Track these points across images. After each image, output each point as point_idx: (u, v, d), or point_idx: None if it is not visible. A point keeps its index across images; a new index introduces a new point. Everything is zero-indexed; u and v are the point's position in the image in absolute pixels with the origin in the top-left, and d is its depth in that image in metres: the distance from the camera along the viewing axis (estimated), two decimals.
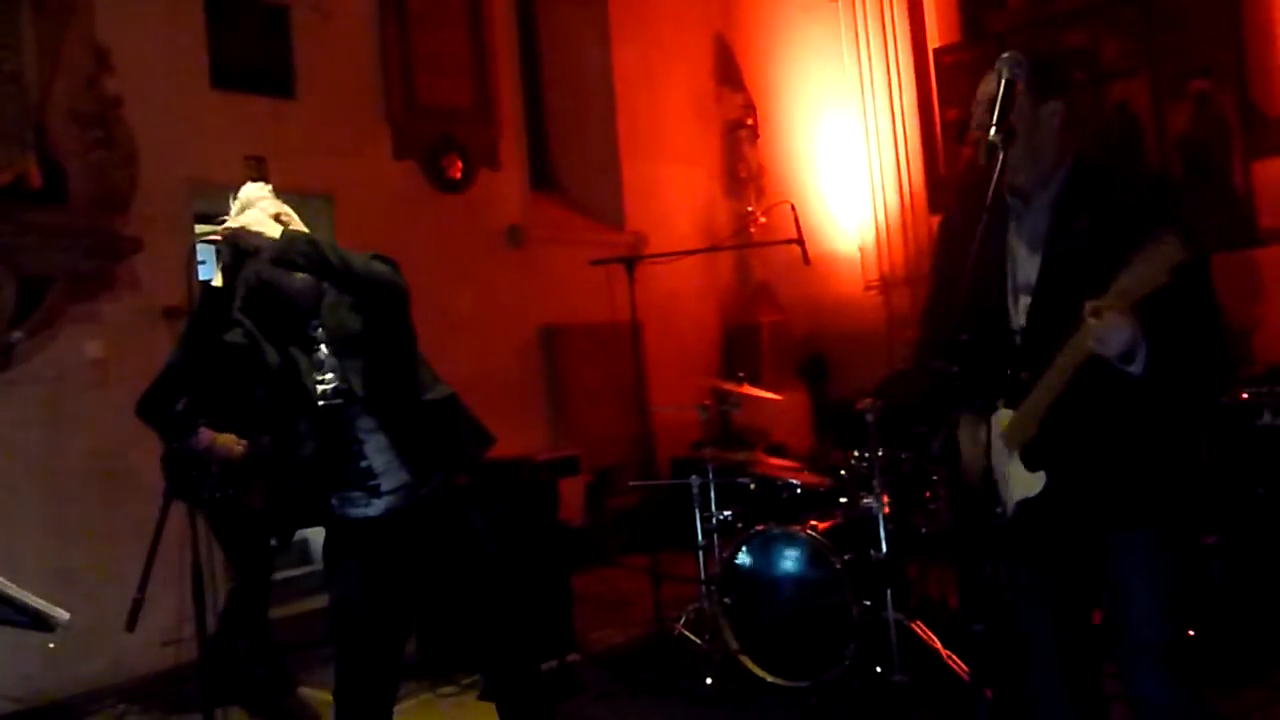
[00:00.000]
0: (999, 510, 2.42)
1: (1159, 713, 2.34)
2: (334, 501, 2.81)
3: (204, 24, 5.66)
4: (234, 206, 2.83)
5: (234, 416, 4.20)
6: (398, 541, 2.80)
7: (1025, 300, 2.39)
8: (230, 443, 4.20)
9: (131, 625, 2.86)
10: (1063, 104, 2.39)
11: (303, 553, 6.32)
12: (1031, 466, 2.35)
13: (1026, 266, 2.40)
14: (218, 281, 2.61)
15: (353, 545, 2.82)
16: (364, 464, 2.77)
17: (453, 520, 2.85)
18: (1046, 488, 2.33)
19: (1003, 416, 2.39)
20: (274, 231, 2.65)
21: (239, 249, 2.63)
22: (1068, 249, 2.33)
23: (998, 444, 2.38)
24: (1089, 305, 2.09)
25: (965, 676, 3.89)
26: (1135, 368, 2.14)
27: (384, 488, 2.78)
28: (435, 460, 2.84)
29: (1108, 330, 2.09)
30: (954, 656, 4.03)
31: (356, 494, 2.79)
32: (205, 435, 4.15)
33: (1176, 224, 2.02)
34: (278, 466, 2.87)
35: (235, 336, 2.70)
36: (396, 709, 4.51)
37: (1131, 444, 2.30)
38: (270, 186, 2.90)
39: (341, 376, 2.77)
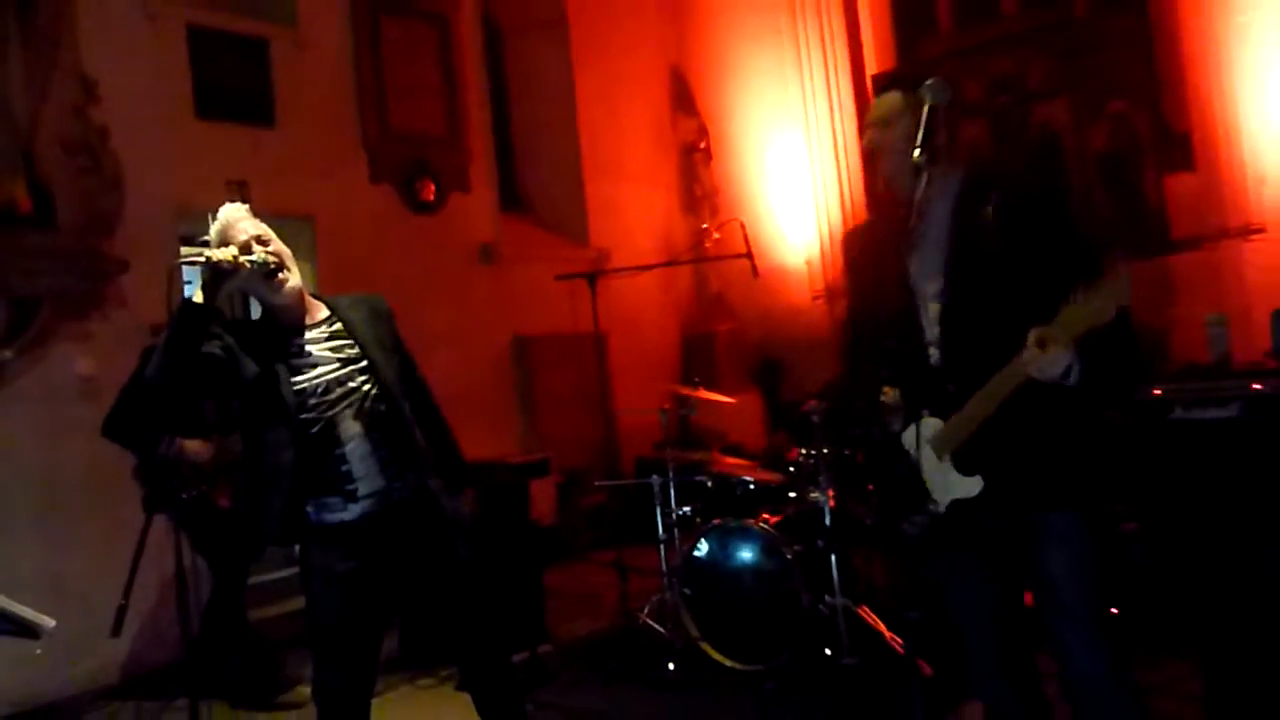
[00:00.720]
0: (930, 507, 2.40)
1: (1091, 681, 2.34)
2: (310, 509, 2.75)
3: (187, 56, 5.60)
4: (213, 227, 2.79)
5: (186, 426, 4.17)
6: (372, 544, 2.75)
7: (935, 309, 2.37)
8: (197, 446, 4.17)
9: (117, 631, 2.81)
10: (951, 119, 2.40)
11: (288, 555, 6.23)
12: (966, 472, 2.32)
13: (933, 277, 2.38)
14: (198, 298, 2.54)
15: (329, 550, 2.76)
16: (344, 468, 2.72)
17: (425, 521, 2.81)
18: (984, 489, 2.31)
19: (929, 425, 2.37)
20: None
21: (218, 269, 2.58)
22: (969, 255, 2.32)
23: (925, 449, 2.38)
24: (1033, 334, 2.07)
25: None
26: (1070, 380, 2.14)
27: (360, 493, 2.73)
28: (410, 465, 2.80)
29: (1051, 362, 2.09)
30: (898, 639, 4.04)
31: (333, 499, 2.74)
32: (176, 442, 4.14)
33: (1119, 260, 2.01)
34: (251, 478, 2.80)
35: (213, 348, 2.64)
36: (378, 701, 4.48)
37: (1056, 439, 2.30)
38: (248, 207, 2.85)
39: (374, 379, 2.77)
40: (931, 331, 2.37)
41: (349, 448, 2.72)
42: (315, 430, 2.70)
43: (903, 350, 2.33)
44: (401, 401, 2.82)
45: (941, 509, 2.38)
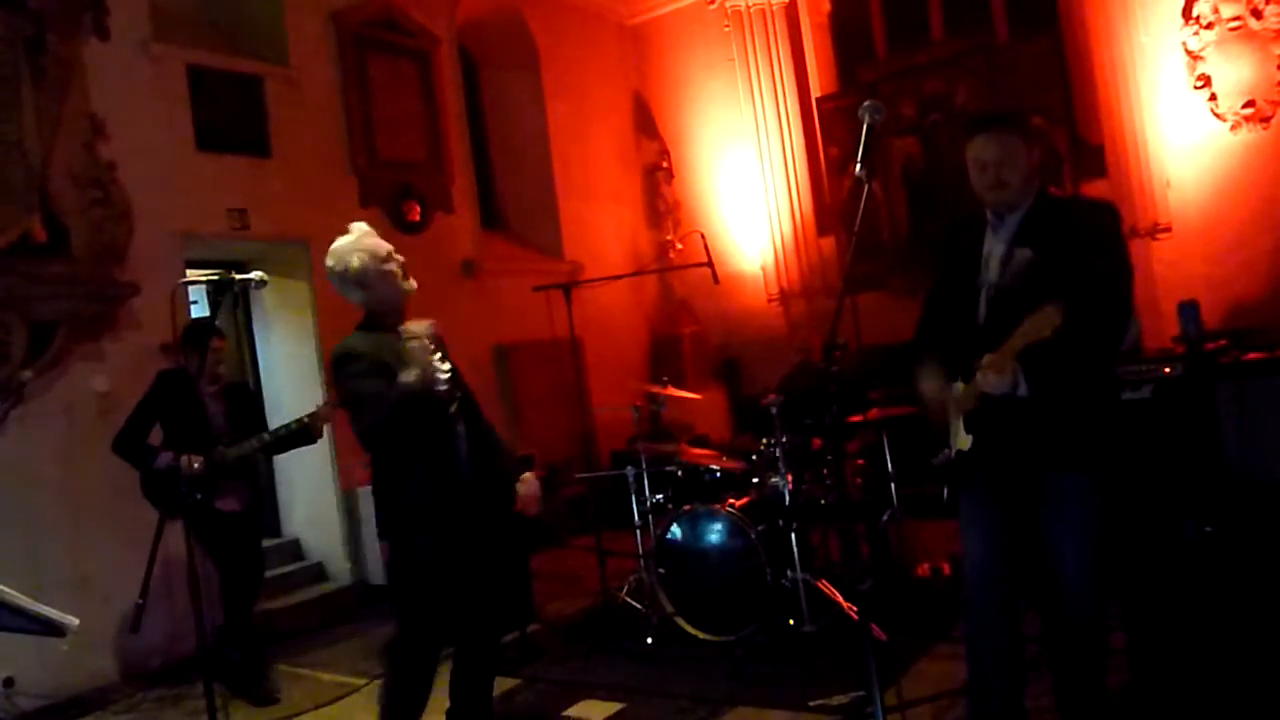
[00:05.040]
0: (946, 451, 2.67)
1: (1079, 628, 2.57)
2: (431, 486, 3.00)
3: (188, 94, 5.52)
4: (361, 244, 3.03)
5: (194, 439, 4.18)
6: (467, 517, 3.03)
7: (988, 295, 2.56)
8: (188, 460, 4.14)
9: (135, 627, 2.78)
10: (1040, 150, 2.59)
11: (295, 551, 6.19)
12: (967, 430, 2.57)
13: (992, 270, 2.56)
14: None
15: (443, 522, 2.99)
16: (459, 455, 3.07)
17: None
18: (973, 446, 2.57)
19: (958, 388, 2.58)
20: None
21: (219, 285, 2.57)
22: (1020, 257, 2.48)
23: (954, 407, 2.61)
24: (985, 359, 2.35)
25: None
26: (1020, 393, 2.40)
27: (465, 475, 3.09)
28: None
29: (989, 384, 2.39)
30: (853, 607, 4.06)
31: (451, 478, 3.05)
32: (165, 456, 4.18)
33: (1064, 297, 2.21)
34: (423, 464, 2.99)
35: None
36: (381, 681, 4.45)
37: (1054, 410, 2.46)
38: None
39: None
40: (982, 313, 2.56)
41: (459, 438, 3.00)
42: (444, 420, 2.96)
43: (959, 326, 2.57)
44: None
45: (952, 454, 2.65)
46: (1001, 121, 2.56)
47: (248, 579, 4.44)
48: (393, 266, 2.99)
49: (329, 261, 2.98)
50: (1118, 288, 2.43)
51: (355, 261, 2.93)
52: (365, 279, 2.95)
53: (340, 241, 3.01)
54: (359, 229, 3.04)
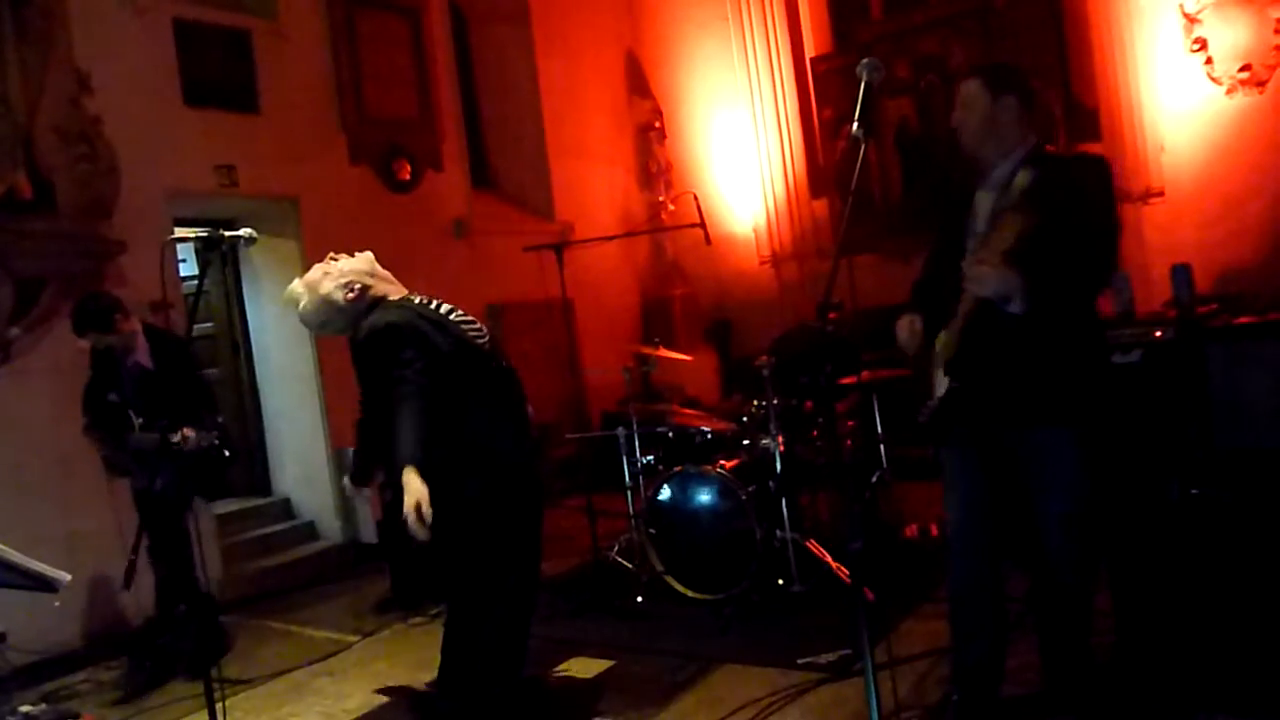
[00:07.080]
0: (930, 402, 2.61)
1: (1064, 587, 2.57)
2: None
3: (174, 47, 5.44)
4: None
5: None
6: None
7: (973, 247, 2.52)
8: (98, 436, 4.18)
9: (128, 584, 2.78)
10: (1015, 98, 2.50)
11: (286, 510, 6.20)
12: (948, 374, 2.53)
13: (980, 220, 2.53)
14: None
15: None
16: None
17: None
18: (950, 390, 2.52)
19: (940, 337, 2.55)
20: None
21: (208, 242, 2.54)
22: (1005, 205, 2.43)
23: (937, 356, 2.58)
24: (967, 260, 2.31)
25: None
26: (1015, 308, 2.32)
27: None
28: None
29: (975, 279, 2.34)
30: (841, 567, 4.10)
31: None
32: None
33: (1031, 203, 2.21)
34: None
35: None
36: (373, 639, 4.49)
37: (1033, 356, 2.43)
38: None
39: None
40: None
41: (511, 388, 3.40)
42: None
43: (948, 277, 2.52)
44: None
45: (934, 403, 2.60)
46: (971, 71, 2.58)
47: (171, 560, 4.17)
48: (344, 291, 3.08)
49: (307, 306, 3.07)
50: (1103, 229, 2.42)
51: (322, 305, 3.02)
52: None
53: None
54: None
